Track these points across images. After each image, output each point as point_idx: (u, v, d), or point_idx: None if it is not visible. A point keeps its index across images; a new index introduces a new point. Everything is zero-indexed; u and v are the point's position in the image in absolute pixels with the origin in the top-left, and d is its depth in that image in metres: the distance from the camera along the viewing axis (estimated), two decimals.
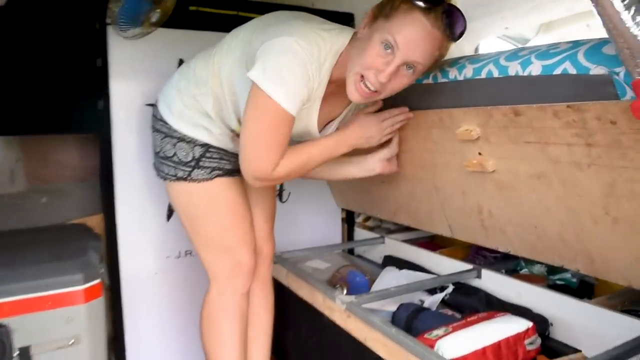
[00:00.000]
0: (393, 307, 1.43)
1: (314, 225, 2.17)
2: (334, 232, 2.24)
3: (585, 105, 0.88)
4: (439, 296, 1.52)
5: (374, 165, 1.37)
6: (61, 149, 1.78)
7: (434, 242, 2.05)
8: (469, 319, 1.19)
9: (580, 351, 1.20)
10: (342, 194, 2.10)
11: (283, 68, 1.07)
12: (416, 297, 1.57)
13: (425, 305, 1.50)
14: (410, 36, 1.04)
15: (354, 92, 1.12)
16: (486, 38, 2.16)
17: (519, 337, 1.13)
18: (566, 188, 1.01)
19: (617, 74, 0.83)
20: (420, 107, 1.29)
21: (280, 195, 2.07)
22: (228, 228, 1.32)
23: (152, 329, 1.78)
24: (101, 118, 1.61)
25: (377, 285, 1.60)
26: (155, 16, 1.47)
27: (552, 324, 1.28)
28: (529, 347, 1.15)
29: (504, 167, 1.13)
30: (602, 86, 0.86)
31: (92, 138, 1.71)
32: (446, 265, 1.64)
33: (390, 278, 1.60)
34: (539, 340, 1.18)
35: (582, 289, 1.43)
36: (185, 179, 1.30)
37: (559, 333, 1.27)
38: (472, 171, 1.22)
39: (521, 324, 1.16)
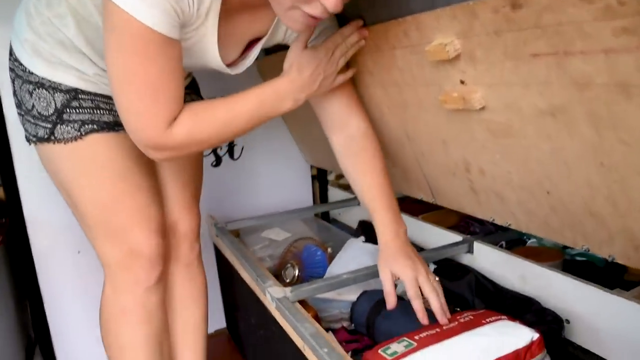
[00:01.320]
0: (355, 295, 1.07)
1: (278, 186, 1.80)
2: (304, 194, 1.86)
3: None
4: None
5: None
6: None
7: (422, 203, 1.66)
8: (445, 327, 0.82)
9: None
10: (310, 147, 1.71)
11: None
12: None
13: (399, 291, 1.13)
14: None
15: (292, 25, 0.75)
16: None
17: (516, 358, 0.76)
18: (600, 130, 0.61)
19: None
20: (377, 18, 0.87)
21: (231, 152, 1.68)
22: (110, 203, 0.94)
23: (78, 313, 1.50)
24: None
25: (335, 265, 1.23)
26: None
27: (568, 322, 0.91)
28: None
29: (498, 100, 0.73)
30: None
31: None
32: (431, 234, 1.26)
33: (353, 254, 1.22)
34: None
35: (611, 269, 1.04)
36: (47, 140, 0.91)
37: (577, 334, 0.90)
38: (452, 109, 0.82)
39: (521, 336, 0.77)
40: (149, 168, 1.01)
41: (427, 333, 0.81)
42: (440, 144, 0.93)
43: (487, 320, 0.82)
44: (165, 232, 1.05)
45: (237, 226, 1.49)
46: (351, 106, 0.97)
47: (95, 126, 0.91)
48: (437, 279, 0.90)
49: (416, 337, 0.79)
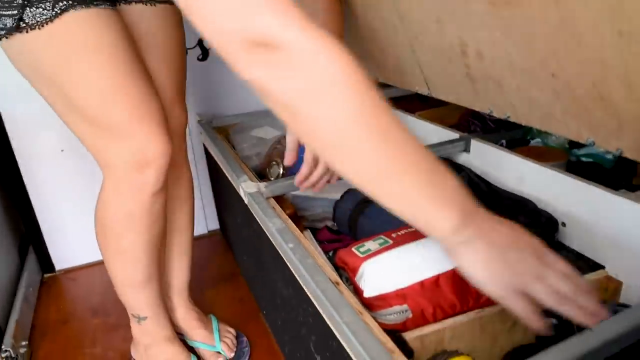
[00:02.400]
0: (339, 194, 1.00)
1: None
2: None
3: None
4: None
5: None
6: None
7: (420, 101, 1.54)
8: None
9: (603, 267, 0.76)
10: None
11: None
12: None
13: None
14: None
15: None
16: None
17: None
18: None
19: None
20: None
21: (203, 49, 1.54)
22: (111, 91, 0.81)
23: (66, 213, 1.49)
24: None
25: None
26: None
27: (564, 225, 0.83)
28: None
29: None
30: None
31: None
32: (426, 131, 1.16)
33: None
34: None
35: (621, 170, 0.94)
36: (17, 28, 0.77)
37: (573, 237, 0.82)
38: None
39: None
40: (137, 55, 0.87)
41: (405, 231, 0.75)
42: (434, 23, 0.80)
43: None
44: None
45: (223, 123, 1.41)
46: None
47: (71, 1, 0.78)
48: None
49: (393, 235, 0.74)
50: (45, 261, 1.50)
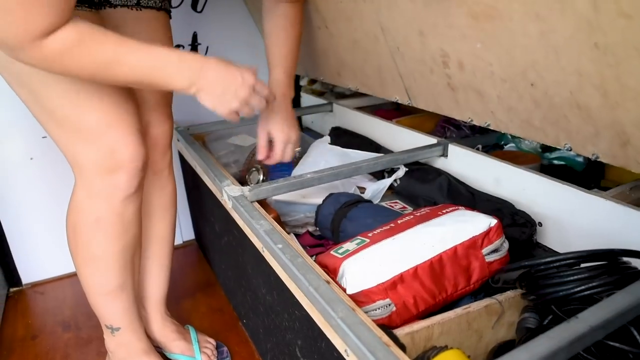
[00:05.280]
0: (321, 199, 1.01)
1: None
2: None
3: None
4: (384, 183, 1.09)
5: None
6: None
7: (401, 109, 1.59)
8: (400, 221, 0.78)
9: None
10: None
11: None
12: (357, 183, 1.16)
13: (367, 195, 1.09)
14: None
15: None
16: None
17: (473, 244, 0.73)
18: (598, 2, 0.52)
19: None
20: None
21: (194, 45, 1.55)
22: (82, 95, 0.81)
23: (34, 223, 1.44)
24: None
25: (300, 168, 1.17)
26: None
27: (540, 225, 0.87)
28: (489, 258, 0.74)
29: None
30: None
31: None
32: (405, 139, 1.19)
33: (319, 157, 1.16)
34: (506, 245, 0.77)
35: (591, 172, 1.00)
36: None
37: (551, 238, 0.87)
38: None
39: (478, 223, 0.74)
40: None
41: (381, 229, 0.77)
42: (416, 35, 0.83)
43: (444, 211, 0.79)
44: (144, 134, 0.94)
45: (200, 130, 1.41)
46: None
47: None
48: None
49: (369, 235, 0.76)
50: (11, 274, 1.44)
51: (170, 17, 1.01)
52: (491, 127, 0.82)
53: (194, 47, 1.55)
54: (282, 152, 0.98)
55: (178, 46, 1.52)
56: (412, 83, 0.95)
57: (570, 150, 0.69)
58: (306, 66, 1.46)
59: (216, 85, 0.76)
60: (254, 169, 1.20)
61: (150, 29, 0.95)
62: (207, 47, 1.56)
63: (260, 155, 0.99)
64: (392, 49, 0.92)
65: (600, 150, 0.64)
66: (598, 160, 0.66)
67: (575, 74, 0.60)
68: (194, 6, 1.51)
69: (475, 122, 0.85)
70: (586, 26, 0.55)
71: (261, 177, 1.16)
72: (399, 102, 1.05)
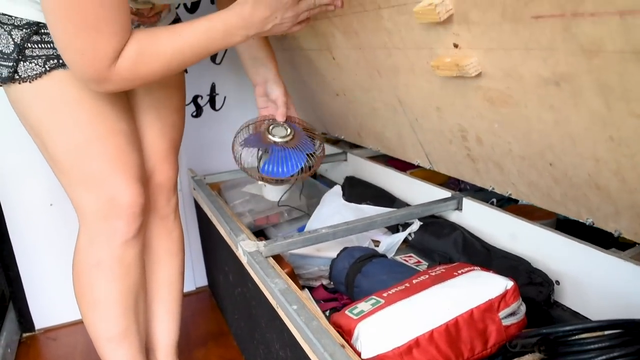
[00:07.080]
0: (335, 252, 1.02)
1: None
2: None
3: None
4: (399, 237, 1.11)
5: None
6: None
7: None
8: (415, 281, 0.79)
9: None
10: (295, 102, 1.63)
11: None
12: (371, 237, 1.16)
13: (381, 249, 1.11)
14: None
15: None
16: None
17: (489, 308, 0.73)
18: (610, 102, 0.56)
19: None
20: None
21: (212, 103, 1.60)
22: (84, 146, 0.87)
23: (49, 268, 1.47)
24: None
25: (314, 221, 1.18)
26: None
27: (558, 283, 0.86)
28: (506, 322, 0.74)
29: (496, 67, 0.67)
30: None
31: None
32: (419, 190, 1.20)
33: (332, 209, 1.18)
34: (523, 308, 0.77)
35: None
36: (11, 79, 0.83)
37: (567, 295, 0.85)
38: (446, 76, 0.76)
39: (495, 285, 0.74)
40: (125, 111, 0.94)
41: (396, 289, 0.77)
42: (434, 110, 0.88)
43: (459, 272, 0.79)
44: (145, 181, 0.98)
45: (216, 179, 1.44)
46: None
47: (60, 61, 0.83)
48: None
49: (384, 295, 0.76)
50: (25, 320, 1.45)
51: (186, 71, 1.08)
52: (512, 196, 0.85)
53: (212, 97, 1.61)
54: (284, 105, 1.05)
55: (197, 96, 1.58)
56: (432, 150, 0.99)
57: (593, 224, 0.71)
58: (326, 125, 1.51)
59: (267, 14, 0.78)
60: (272, 123, 1.06)
61: (165, 83, 1.02)
62: (225, 97, 1.62)
63: (259, 103, 1.08)
64: (411, 119, 0.97)
65: (622, 227, 0.67)
66: (621, 236, 0.68)
67: (592, 159, 0.64)
68: (213, 58, 1.57)
69: (497, 191, 0.88)
70: (600, 121, 0.59)
71: (288, 131, 1.04)
72: (421, 165, 1.08)
